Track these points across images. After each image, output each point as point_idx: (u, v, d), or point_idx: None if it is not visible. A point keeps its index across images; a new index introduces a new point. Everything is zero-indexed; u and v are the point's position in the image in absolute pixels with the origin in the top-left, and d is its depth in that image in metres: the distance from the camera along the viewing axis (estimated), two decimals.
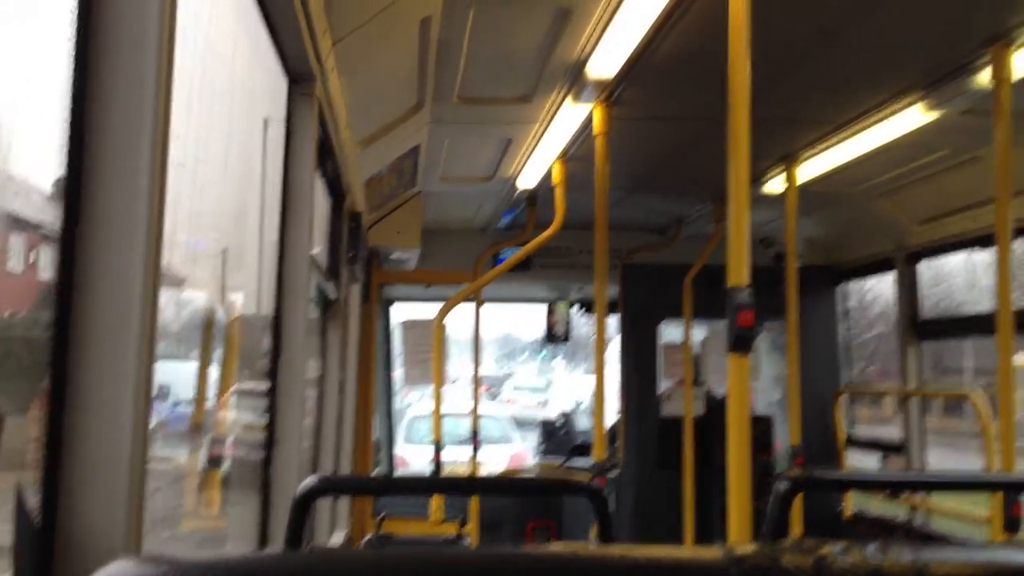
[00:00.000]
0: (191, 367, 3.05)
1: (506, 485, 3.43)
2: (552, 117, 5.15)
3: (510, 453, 18.50)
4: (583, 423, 10.54)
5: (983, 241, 6.09)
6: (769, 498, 2.31)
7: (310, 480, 2.16)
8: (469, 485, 3.79)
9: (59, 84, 1.42)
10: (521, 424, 22.23)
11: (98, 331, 1.42)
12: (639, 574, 0.61)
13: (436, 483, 3.55)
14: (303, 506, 2.14)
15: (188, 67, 2.05)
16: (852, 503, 7.68)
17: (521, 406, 33.15)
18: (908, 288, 7.06)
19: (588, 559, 0.62)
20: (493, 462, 15.58)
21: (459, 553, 0.62)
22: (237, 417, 3.56)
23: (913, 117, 4.79)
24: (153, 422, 1.54)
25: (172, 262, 2.13)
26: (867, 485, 4.84)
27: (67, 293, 1.42)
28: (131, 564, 0.59)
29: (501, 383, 40.51)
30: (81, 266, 1.42)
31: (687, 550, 0.62)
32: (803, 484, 2.36)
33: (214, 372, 3.24)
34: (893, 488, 6.32)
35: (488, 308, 9.75)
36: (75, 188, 1.43)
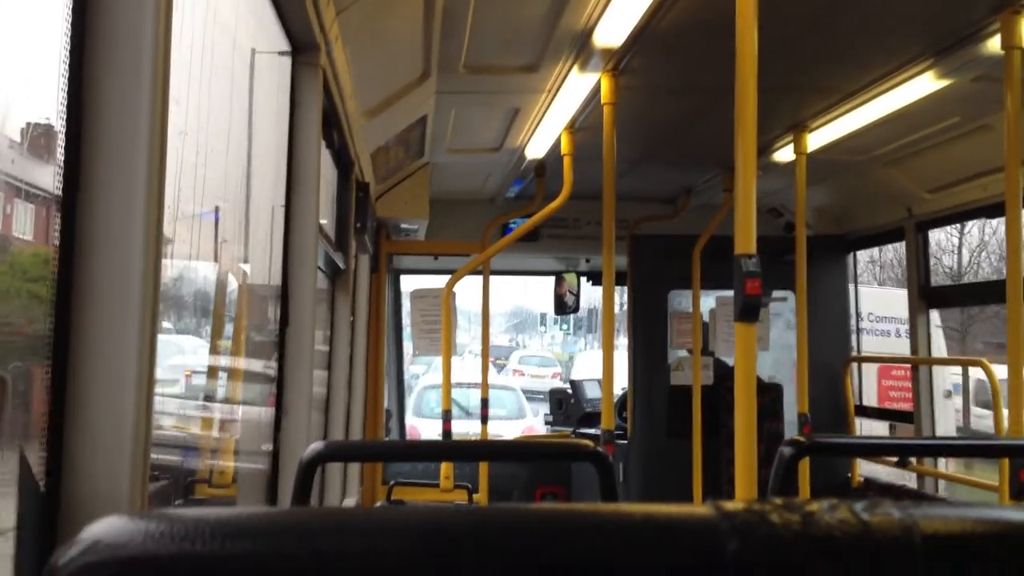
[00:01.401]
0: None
1: (512, 450, 3.44)
2: (559, 87, 5.13)
3: (522, 427, 18.41)
4: (593, 392, 10.52)
5: (993, 210, 6.07)
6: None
7: (316, 445, 2.17)
8: (475, 450, 3.79)
9: (57, 51, 1.42)
10: (530, 398, 22.20)
11: (101, 295, 1.43)
12: (630, 528, 0.61)
13: (441, 448, 3.56)
14: (309, 471, 2.15)
15: (188, 36, 2.05)
16: (862, 472, 7.70)
17: (529, 378, 32.79)
18: (918, 256, 7.05)
19: (582, 514, 0.63)
20: (506, 437, 15.56)
21: (447, 509, 0.63)
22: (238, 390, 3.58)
23: (922, 85, 4.76)
24: None
25: (176, 229, 2.14)
26: (871, 450, 4.84)
27: (69, 257, 1.43)
28: (121, 520, 0.59)
29: (507, 354, 40.15)
30: (83, 230, 1.43)
31: (678, 507, 0.63)
32: (807, 449, 2.36)
33: (221, 343, 3.26)
34: (897, 453, 6.32)
35: (500, 280, 9.78)
36: (74, 154, 1.43)
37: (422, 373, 23.68)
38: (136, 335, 1.44)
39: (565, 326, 35.67)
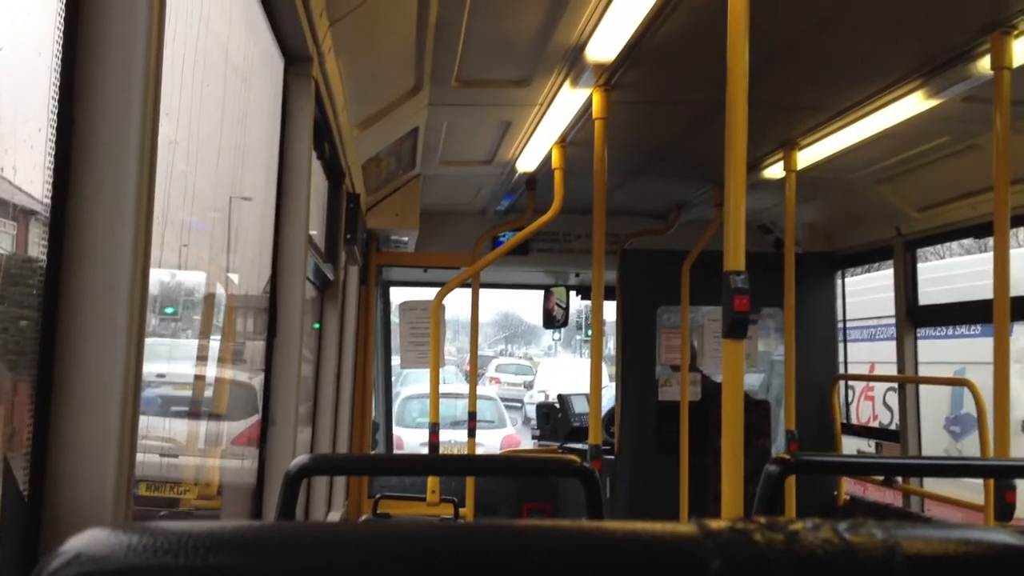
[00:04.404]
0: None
1: (499, 465, 3.43)
2: (551, 101, 5.14)
3: (502, 436, 18.64)
4: (580, 407, 10.52)
5: (982, 229, 6.10)
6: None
7: (301, 458, 2.17)
8: (461, 465, 3.79)
9: (46, 61, 1.42)
10: (507, 406, 22.59)
11: (88, 304, 1.43)
12: (613, 545, 0.61)
13: (428, 463, 3.55)
14: (294, 484, 2.15)
15: (181, 47, 2.05)
16: (850, 491, 7.70)
17: (506, 385, 33.71)
18: (906, 275, 7.07)
19: (565, 530, 0.63)
20: (486, 445, 15.68)
21: (430, 524, 0.62)
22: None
23: (912, 104, 4.78)
24: None
25: (166, 238, 2.13)
26: (857, 469, 4.85)
27: (57, 266, 1.42)
28: (104, 532, 0.59)
29: (485, 363, 40.66)
30: (71, 239, 1.43)
31: (662, 525, 0.63)
32: (793, 467, 2.37)
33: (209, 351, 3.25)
34: (883, 472, 6.34)
35: (492, 290, 9.78)
36: (64, 163, 1.43)
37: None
38: (123, 345, 1.43)
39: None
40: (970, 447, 9.13)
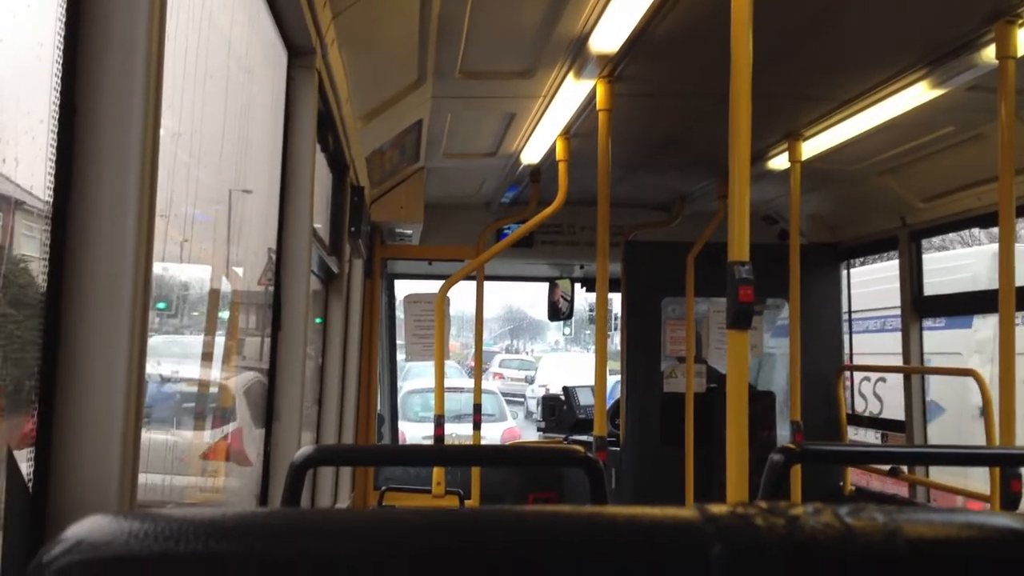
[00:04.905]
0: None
1: (503, 455, 3.44)
2: (555, 93, 5.13)
3: (503, 429, 18.77)
4: (586, 399, 10.51)
5: (987, 219, 6.08)
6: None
7: (306, 449, 2.17)
8: (465, 455, 3.78)
9: (48, 52, 1.42)
10: (509, 401, 22.77)
11: (92, 295, 1.43)
12: (615, 531, 0.61)
13: (433, 453, 3.55)
14: (299, 475, 2.15)
15: (184, 38, 2.05)
16: (855, 482, 7.70)
17: (509, 380, 34.08)
18: (912, 265, 7.06)
19: (567, 515, 0.63)
20: (487, 437, 15.77)
21: (432, 511, 0.62)
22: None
23: (917, 94, 4.77)
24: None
25: (168, 231, 2.13)
26: (861, 458, 4.85)
27: (60, 257, 1.43)
28: (106, 519, 0.59)
29: (489, 359, 41.02)
30: (73, 229, 1.43)
31: (663, 510, 0.63)
32: (798, 456, 2.36)
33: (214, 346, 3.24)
34: (888, 461, 6.34)
35: (498, 283, 9.78)
36: (67, 158, 1.43)
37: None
38: (126, 335, 1.44)
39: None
40: (935, 432, 9.19)
